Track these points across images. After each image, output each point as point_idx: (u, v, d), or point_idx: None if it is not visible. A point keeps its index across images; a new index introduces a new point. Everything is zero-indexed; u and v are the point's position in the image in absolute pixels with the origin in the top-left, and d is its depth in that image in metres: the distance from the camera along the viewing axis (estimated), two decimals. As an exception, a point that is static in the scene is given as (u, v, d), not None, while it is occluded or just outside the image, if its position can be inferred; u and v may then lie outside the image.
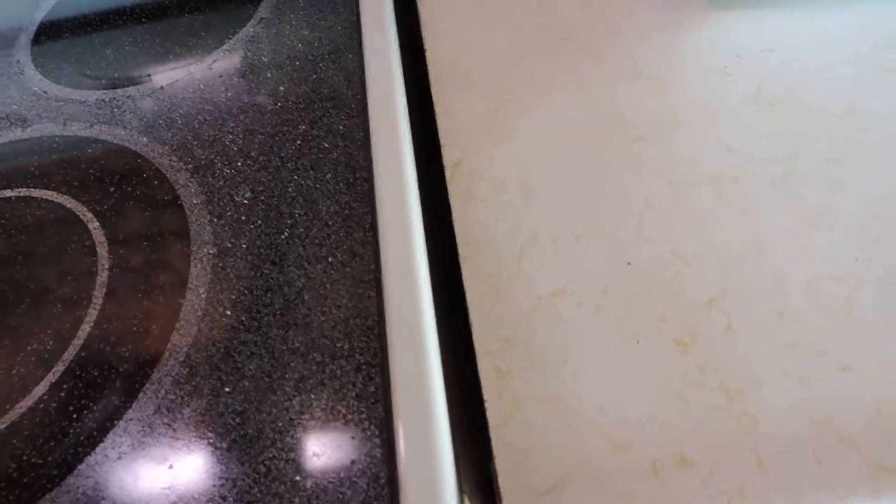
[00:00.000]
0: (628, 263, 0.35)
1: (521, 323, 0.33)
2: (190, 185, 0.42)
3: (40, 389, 0.35)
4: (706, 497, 0.28)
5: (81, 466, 0.32)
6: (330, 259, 0.37)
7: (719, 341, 0.31)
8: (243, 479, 0.30)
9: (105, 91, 0.50)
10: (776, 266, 0.34)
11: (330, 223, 0.39)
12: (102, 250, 0.40)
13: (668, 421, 0.29)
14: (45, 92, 0.51)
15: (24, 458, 0.32)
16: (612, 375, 0.31)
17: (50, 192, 0.44)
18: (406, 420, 0.30)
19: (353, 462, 0.30)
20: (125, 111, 0.48)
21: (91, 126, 0.48)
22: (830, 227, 0.35)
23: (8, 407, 0.34)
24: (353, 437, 0.30)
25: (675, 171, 0.38)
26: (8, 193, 0.44)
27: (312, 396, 0.32)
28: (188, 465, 0.31)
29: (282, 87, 0.47)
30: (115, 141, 0.46)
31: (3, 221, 0.43)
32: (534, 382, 0.31)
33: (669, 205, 0.37)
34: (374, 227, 0.38)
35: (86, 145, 0.46)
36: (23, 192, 0.44)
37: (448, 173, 0.40)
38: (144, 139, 0.46)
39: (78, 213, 0.42)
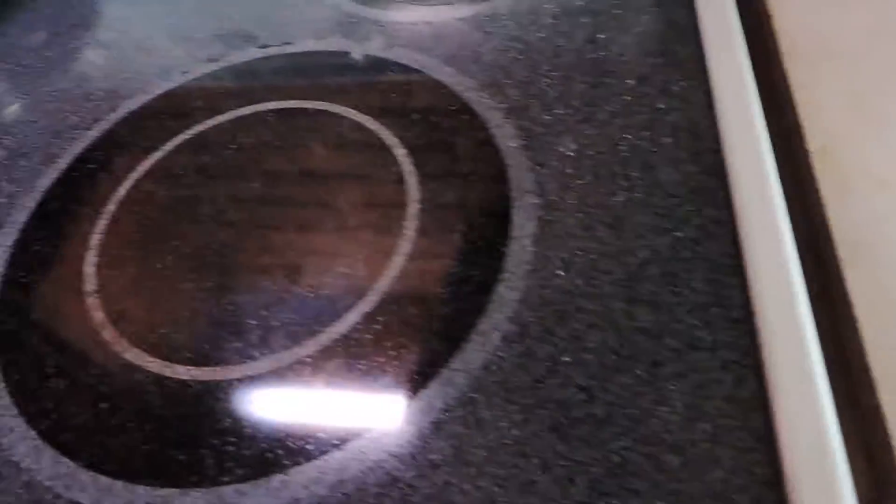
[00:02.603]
0: None
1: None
2: (504, 125, 0.39)
3: (353, 317, 0.32)
4: None
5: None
6: (677, 234, 0.33)
7: None
8: (594, 465, 0.26)
9: (400, 12, 0.48)
10: None
11: (673, 193, 0.34)
12: (412, 179, 0.37)
13: None
14: (338, 5, 0.49)
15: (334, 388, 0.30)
16: None
17: (347, 109, 0.42)
18: (792, 434, 0.25)
19: (728, 473, 0.25)
20: (424, 36, 0.45)
21: (390, 48, 0.45)
22: None
23: (319, 329, 0.32)
24: (725, 445, 0.26)
25: None
26: (305, 105, 0.43)
27: (671, 387, 0.28)
28: (523, 437, 0.27)
29: (600, 35, 0.43)
30: (416, 66, 0.43)
31: (301, 133, 0.41)
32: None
33: None
34: (728, 206, 0.33)
35: (384, 67, 0.44)
36: (319, 104, 0.42)
37: (815, 162, 0.34)
38: (449, 69, 0.42)
39: (382, 137, 0.39)
